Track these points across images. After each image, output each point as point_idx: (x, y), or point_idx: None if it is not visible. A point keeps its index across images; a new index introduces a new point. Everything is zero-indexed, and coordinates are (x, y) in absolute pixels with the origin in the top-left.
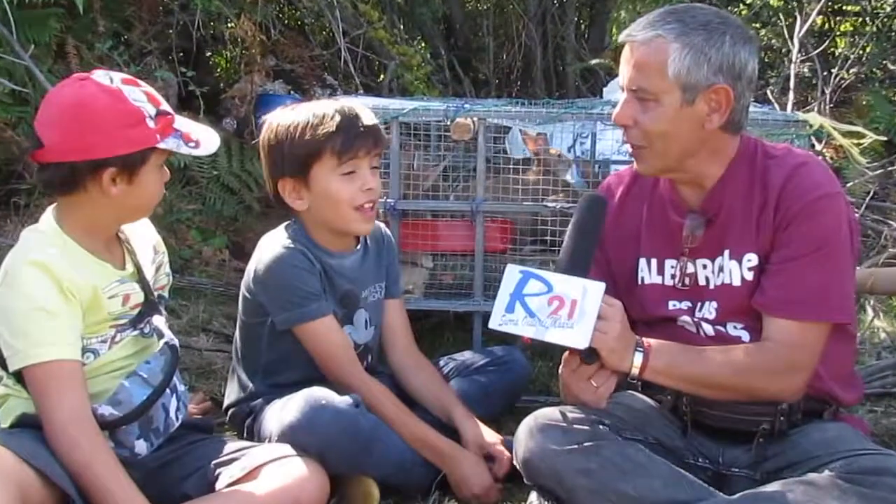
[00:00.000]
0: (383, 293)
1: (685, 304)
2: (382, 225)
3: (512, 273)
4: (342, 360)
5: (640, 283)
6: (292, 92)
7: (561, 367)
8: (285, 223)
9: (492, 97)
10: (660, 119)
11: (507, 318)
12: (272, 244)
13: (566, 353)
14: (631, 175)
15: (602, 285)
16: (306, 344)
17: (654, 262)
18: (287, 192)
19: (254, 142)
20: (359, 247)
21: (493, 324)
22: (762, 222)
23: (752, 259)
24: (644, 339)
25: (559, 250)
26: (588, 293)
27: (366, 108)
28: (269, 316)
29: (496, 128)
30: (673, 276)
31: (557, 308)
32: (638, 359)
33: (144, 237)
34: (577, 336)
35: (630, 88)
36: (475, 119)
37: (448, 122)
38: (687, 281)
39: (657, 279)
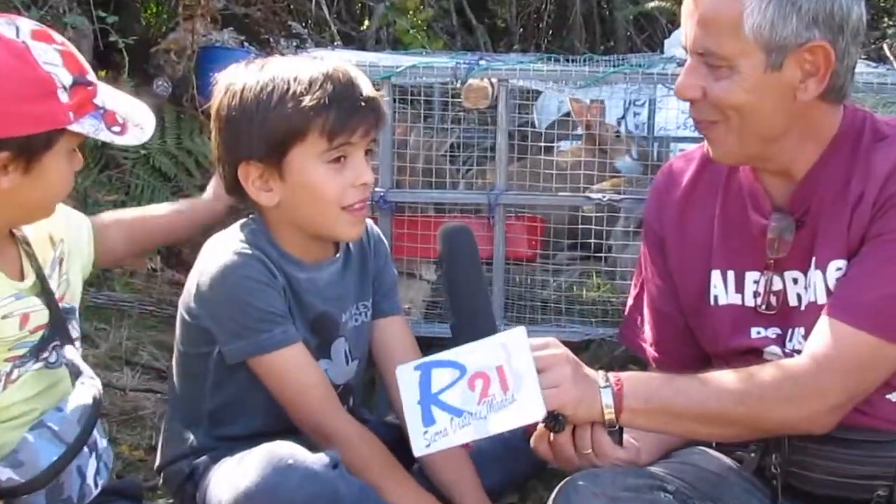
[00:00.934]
0: (370, 314)
1: (773, 332)
2: (370, 221)
3: (406, 376)
4: (317, 403)
5: (712, 303)
6: (246, 44)
7: (532, 445)
8: (240, 221)
9: (515, 51)
10: (737, 90)
11: (433, 434)
12: (221, 250)
13: (528, 432)
14: (701, 158)
15: (521, 330)
16: (268, 382)
17: (730, 275)
18: (251, 180)
19: (204, 108)
20: (338, 255)
21: (418, 451)
22: (856, 219)
23: (840, 267)
24: (612, 373)
25: (606, 257)
26: (511, 350)
27: (362, 73)
28: (216, 345)
29: (522, 92)
30: (756, 295)
31: (485, 388)
32: (608, 398)
33: (39, 228)
34: (526, 409)
35: (695, 51)
36: (493, 81)
37: (457, 86)
38: (773, 301)
39: (735, 298)
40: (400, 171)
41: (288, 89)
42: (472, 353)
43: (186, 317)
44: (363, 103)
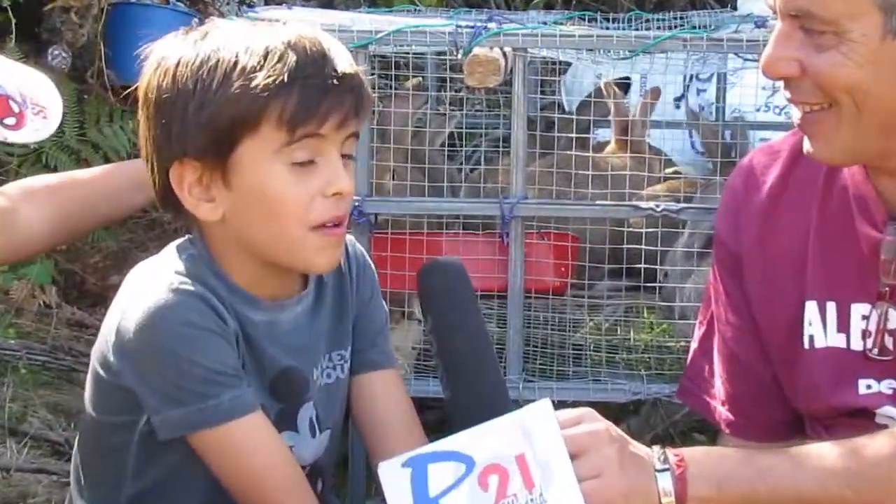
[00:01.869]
0: (347, 367)
1: (888, 386)
2: (351, 238)
3: (392, 476)
4: (281, 492)
5: (806, 345)
6: (174, 1)
7: None
8: (176, 242)
9: (535, 8)
10: (847, 64)
11: None
12: (151, 284)
13: None
14: (791, 151)
15: (545, 403)
16: (215, 463)
17: (831, 308)
18: (186, 185)
19: (114, 85)
20: (308, 290)
21: None
22: None
23: None
24: (671, 449)
25: (661, 287)
26: (533, 431)
27: (337, 42)
28: (143, 413)
29: (544, 65)
30: (865, 335)
31: (502, 486)
32: (667, 484)
33: None
34: None
35: (789, 12)
36: (507, 50)
37: (458, 57)
38: (889, 343)
39: (837, 339)
40: (380, 173)
41: (235, 63)
42: (479, 440)
43: (102, 372)
44: (336, 82)
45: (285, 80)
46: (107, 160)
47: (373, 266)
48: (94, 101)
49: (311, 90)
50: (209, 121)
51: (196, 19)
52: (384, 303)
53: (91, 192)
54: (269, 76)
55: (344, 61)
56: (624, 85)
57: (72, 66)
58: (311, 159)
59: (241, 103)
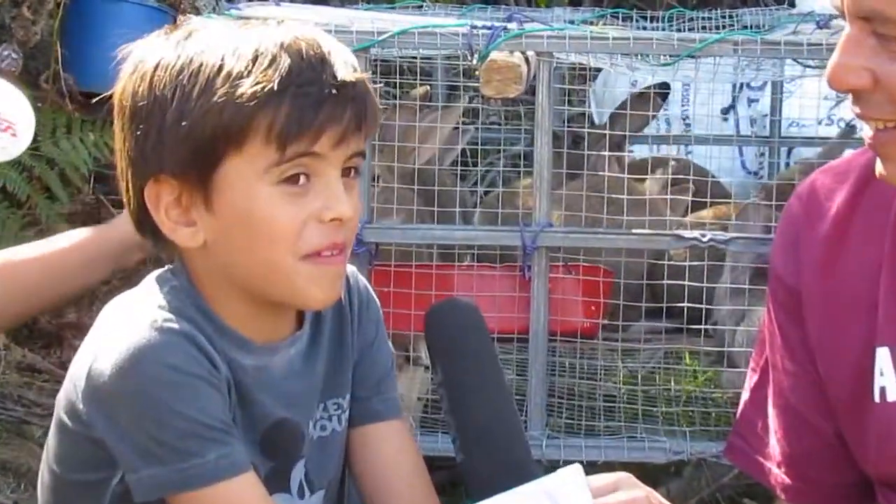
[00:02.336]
0: (345, 417)
1: None
2: (352, 269)
3: None
4: None
5: (877, 398)
6: None
7: None
8: (155, 273)
9: (559, 5)
10: None
11: None
12: (129, 319)
13: None
14: (859, 174)
15: (576, 469)
16: None
17: None
18: (163, 206)
19: (72, 90)
20: (303, 329)
21: None
22: None
23: None
24: None
25: (707, 329)
26: (562, 501)
27: (337, 44)
28: (116, 470)
29: (572, 71)
30: None
31: None
32: None
33: None
34: None
35: (858, 14)
36: (530, 55)
37: (473, 62)
38: None
39: None
40: (382, 196)
41: (220, 68)
42: None
43: (69, 422)
44: (335, 91)
45: (275, 87)
46: (63, 178)
47: (377, 301)
48: (50, 110)
49: (304, 100)
50: (188, 133)
51: (177, 17)
52: (389, 345)
53: (35, 274)
54: (258, 83)
55: (345, 67)
56: (663, 94)
57: (23, 68)
58: (305, 179)
59: (224, 114)
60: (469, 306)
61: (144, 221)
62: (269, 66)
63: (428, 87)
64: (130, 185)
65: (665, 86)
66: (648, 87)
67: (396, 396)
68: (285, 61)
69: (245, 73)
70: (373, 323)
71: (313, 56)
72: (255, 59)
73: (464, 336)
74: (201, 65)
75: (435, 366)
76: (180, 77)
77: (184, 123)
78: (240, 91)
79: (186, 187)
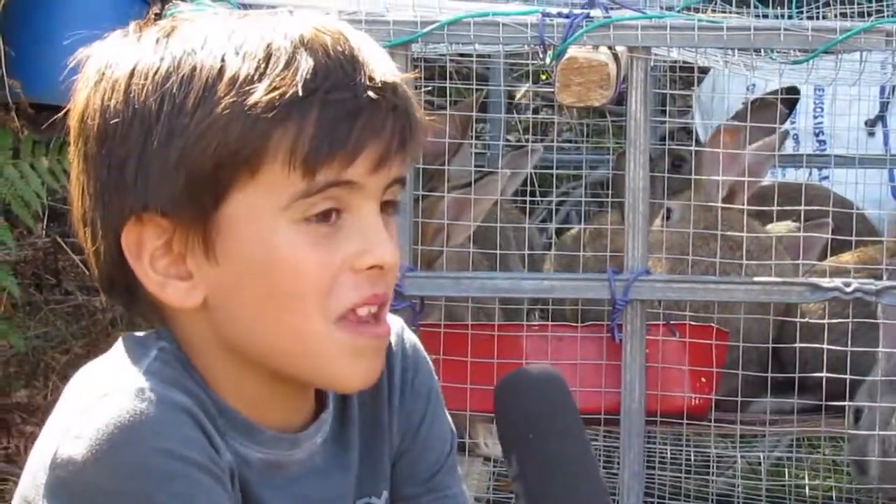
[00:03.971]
0: None
1: None
2: (395, 320)
3: None
4: None
5: None
6: None
7: None
8: (129, 337)
9: None
10: None
11: None
12: (105, 389)
13: None
14: None
15: None
16: None
17: None
18: (147, 255)
19: (17, 101)
20: (327, 412)
21: None
22: None
23: None
24: None
25: (851, 406)
26: None
27: (367, 38)
28: None
29: (672, 73)
30: None
31: None
32: None
33: None
34: None
35: None
36: (620, 50)
37: (546, 60)
38: None
39: None
40: (427, 234)
41: (221, 71)
42: None
43: None
44: (374, 95)
45: (299, 93)
46: (9, 216)
47: (429, 362)
48: None
49: (335, 110)
50: (182, 158)
51: (153, 5)
52: (448, 421)
53: None
54: (274, 89)
55: (383, 66)
56: (790, 102)
57: None
58: (336, 215)
59: (230, 131)
60: (553, 378)
61: (116, 276)
62: (287, 66)
63: (485, 94)
64: (99, 227)
65: (794, 91)
66: (772, 93)
67: (460, 493)
68: (307, 60)
69: (256, 76)
70: (422, 395)
71: (341, 53)
72: (267, 59)
73: (548, 417)
74: (195, 68)
75: (509, 455)
76: (168, 85)
77: (175, 145)
78: (251, 100)
79: (180, 228)
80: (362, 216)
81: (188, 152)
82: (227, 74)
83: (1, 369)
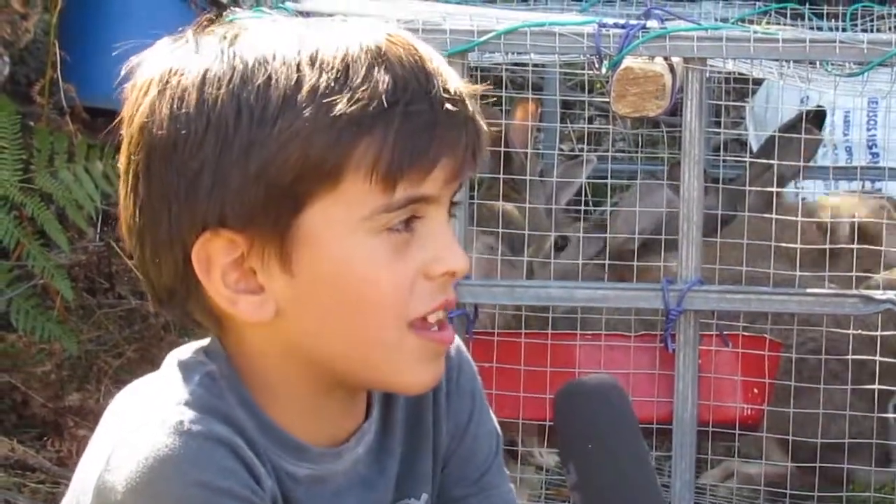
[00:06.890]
0: None
1: None
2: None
3: None
4: None
5: None
6: None
7: None
8: (179, 354)
9: None
10: None
11: None
12: (147, 417)
13: None
14: None
15: None
16: None
17: None
18: (219, 271)
19: (74, 106)
20: (371, 419)
21: None
22: None
23: None
24: None
25: None
26: None
27: (431, 48)
28: None
29: (725, 84)
30: None
31: None
32: None
33: None
34: None
35: None
36: (675, 61)
37: (602, 69)
38: None
39: None
40: (480, 243)
41: (299, 81)
42: None
43: None
44: (452, 107)
45: (385, 105)
46: (63, 219)
47: (473, 366)
48: (45, 131)
49: (414, 123)
50: (263, 169)
51: (208, 10)
52: (494, 423)
53: None
54: (357, 101)
55: (454, 77)
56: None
57: (10, 76)
58: (412, 224)
59: (314, 143)
60: (614, 387)
61: (178, 289)
62: (367, 77)
63: (539, 103)
64: (163, 241)
65: (820, 114)
66: (801, 116)
67: (508, 491)
68: (383, 73)
69: (336, 87)
70: (467, 395)
71: (415, 64)
72: (345, 69)
73: (609, 426)
74: (272, 77)
75: (567, 464)
76: (244, 94)
77: (255, 156)
78: (335, 112)
79: (257, 242)
80: (435, 224)
81: (269, 164)
82: (307, 84)
83: (54, 373)
